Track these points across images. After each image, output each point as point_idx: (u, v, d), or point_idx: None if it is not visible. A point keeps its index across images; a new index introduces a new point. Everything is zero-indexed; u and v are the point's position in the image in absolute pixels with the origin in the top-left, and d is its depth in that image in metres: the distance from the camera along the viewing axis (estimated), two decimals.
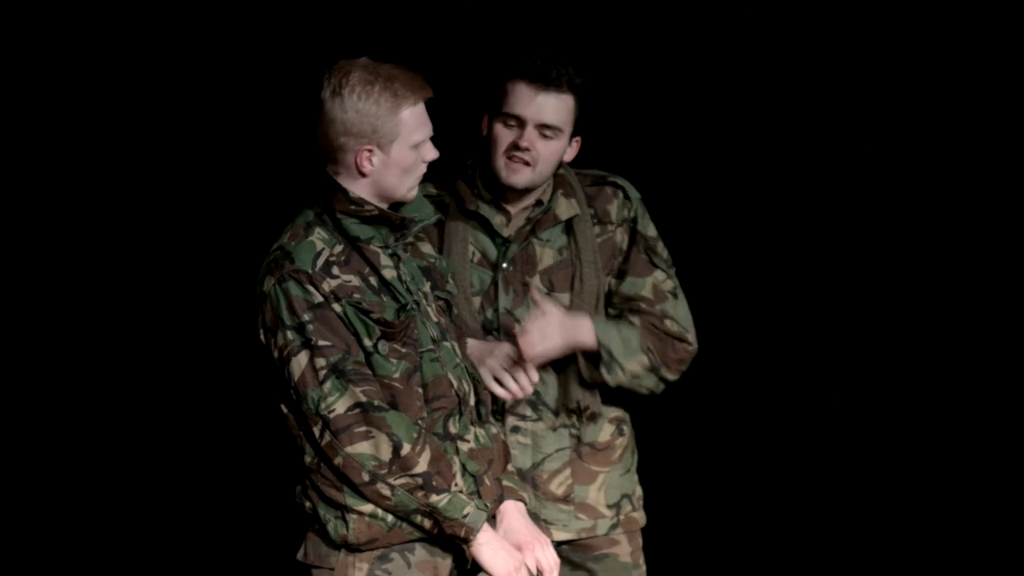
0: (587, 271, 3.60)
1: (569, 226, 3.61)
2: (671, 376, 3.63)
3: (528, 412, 3.60)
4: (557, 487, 3.61)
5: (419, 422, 3.19)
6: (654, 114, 4.84)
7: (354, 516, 3.16)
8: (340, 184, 3.21)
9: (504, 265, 3.60)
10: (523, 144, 3.49)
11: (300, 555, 3.27)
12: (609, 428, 3.65)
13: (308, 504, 3.22)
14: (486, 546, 3.20)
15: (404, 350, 3.20)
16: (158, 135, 4.67)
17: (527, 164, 3.51)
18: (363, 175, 3.20)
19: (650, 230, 3.66)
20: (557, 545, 3.60)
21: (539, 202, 3.61)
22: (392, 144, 3.17)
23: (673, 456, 4.77)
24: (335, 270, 3.17)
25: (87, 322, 4.70)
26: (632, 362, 3.59)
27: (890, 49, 4.78)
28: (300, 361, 3.13)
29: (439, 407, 3.24)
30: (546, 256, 3.62)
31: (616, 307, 3.67)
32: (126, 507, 4.76)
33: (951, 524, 4.90)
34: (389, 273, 3.23)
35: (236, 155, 4.69)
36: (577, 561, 3.65)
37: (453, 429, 3.26)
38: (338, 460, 3.13)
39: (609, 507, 3.65)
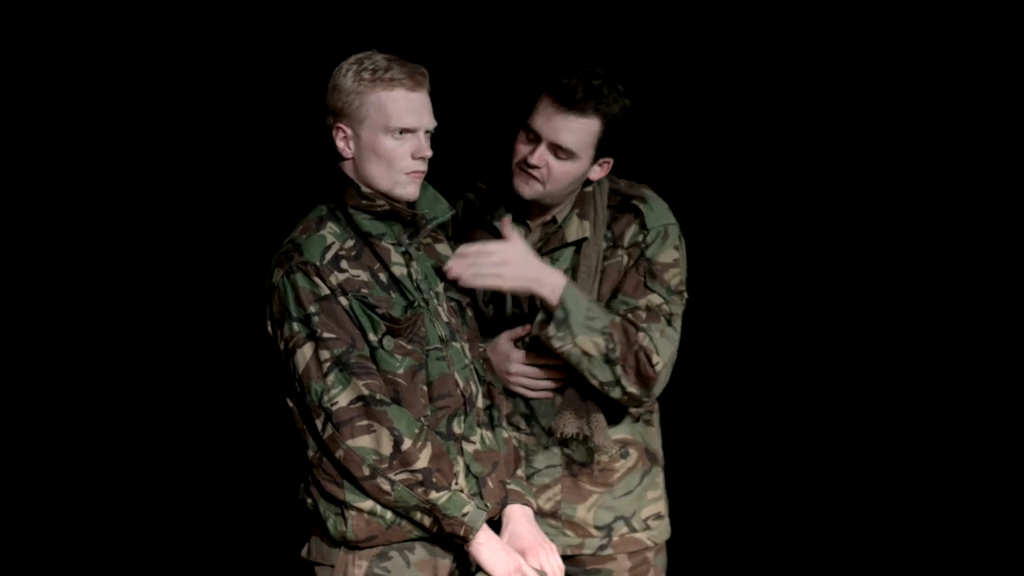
0: (582, 290, 3.50)
1: (578, 248, 3.56)
2: (629, 385, 3.43)
3: (522, 424, 3.56)
4: (545, 502, 3.57)
5: (422, 419, 3.17)
6: (650, 99, 4.82)
7: (353, 513, 3.15)
8: (351, 178, 3.21)
9: None
10: (533, 160, 3.43)
11: (304, 552, 3.28)
12: (609, 451, 3.56)
13: (310, 501, 3.21)
14: (485, 546, 3.17)
15: (410, 347, 3.19)
16: (169, 132, 4.71)
17: (536, 179, 3.46)
18: (343, 158, 3.21)
19: (662, 256, 3.53)
20: None
21: (553, 220, 3.56)
22: (361, 126, 3.16)
23: (700, 469, 4.74)
24: (344, 264, 3.17)
25: (93, 319, 4.74)
26: (586, 340, 3.41)
27: (892, 48, 4.76)
28: (305, 353, 3.14)
29: (443, 406, 3.22)
30: None
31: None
32: (132, 506, 4.78)
33: (957, 522, 4.86)
34: (399, 270, 3.22)
35: (249, 151, 4.72)
36: (570, 573, 3.58)
37: (458, 429, 3.24)
38: (339, 453, 3.12)
39: (598, 528, 3.59)
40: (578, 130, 3.40)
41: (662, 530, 3.68)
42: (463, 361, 3.29)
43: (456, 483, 3.18)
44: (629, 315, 3.46)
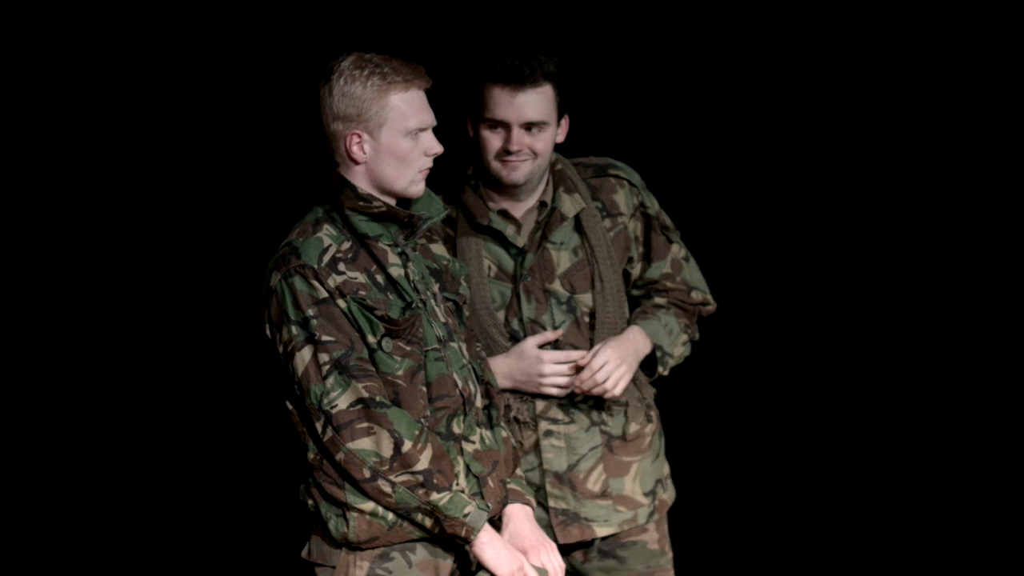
0: (604, 267, 3.62)
1: (579, 225, 3.62)
2: (697, 337, 3.76)
3: (560, 416, 3.61)
4: (593, 484, 3.61)
5: (422, 420, 3.18)
6: (650, 99, 4.82)
7: (355, 514, 3.16)
8: (348, 180, 3.21)
9: (524, 276, 3.60)
10: (513, 147, 3.50)
11: (304, 553, 3.27)
12: (638, 417, 3.66)
13: (311, 502, 3.22)
14: (488, 545, 3.18)
15: (408, 348, 3.20)
16: (166, 134, 4.68)
17: (521, 161, 3.52)
18: (356, 163, 3.20)
19: (655, 206, 3.71)
20: (590, 543, 3.63)
21: (543, 203, 3.62)
22: (381, 130, 3.17)
23: (695, 436, 4.76)
24: (341, 266, 3.17)
25: (93, 320, 4.73)
26: (677, 347, 3.68)
27: (893, 46, 4.75)
28: (304, 356, 3.14)
29: (443, 406, 3.22)
30: (563, 260, 3.63)
31: (641, 288, 3.73)
32: (132, 506, 4.78)
33: (957, 522, 4.86)
34: (396, 271, 3.22)
35: (245, 153, 4.70)
36: (606, 550, 3.65)
37: (457, 429, 3.24)
38: (340, 456, 3.12)
39: (646, 495, 3.65)
40: (539, 101, 3.49)
41: (672, 491, 3.77)
42: (461, 361, 3.29)
43: (457, 483, 3.19)
44: (668, 284, 3.69)
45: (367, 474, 3.12)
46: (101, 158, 4.68)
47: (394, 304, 3.20)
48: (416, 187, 3.23)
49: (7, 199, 4.63)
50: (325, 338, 3.13)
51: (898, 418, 4.88)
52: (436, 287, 3.31)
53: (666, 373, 3.70)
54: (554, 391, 3.56)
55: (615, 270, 3.64)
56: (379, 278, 3.20)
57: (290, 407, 3.21)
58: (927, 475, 4.88)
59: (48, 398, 4.72)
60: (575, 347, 3.61)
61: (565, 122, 3.61)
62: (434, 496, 3.13)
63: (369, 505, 3.15)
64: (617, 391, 3.56)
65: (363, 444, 3.12)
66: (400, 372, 3.18)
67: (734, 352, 4.84)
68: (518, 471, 3.37)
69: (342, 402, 3.12)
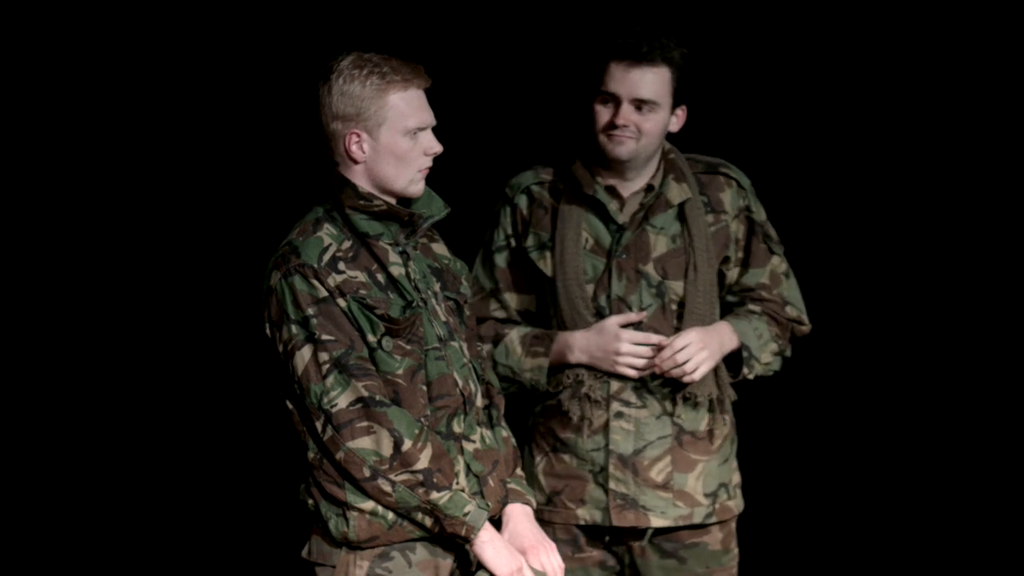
0: (700, 259, 3.63)
1: (682, 213, 3.63)
2: (788, 351, 3.76)
3: (633, 399, 3.61)
4: (657, 474, 3.62)
5: (422, 419, 3.18)
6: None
7: (355, 513, 3.15)
8: (349, 180, 3.21)
9: (619, 252, 3.61)
10: (620, 121, 3.52)
11: (304, 552, 3.27)
12: (712, 416, 3.66)
13: (311, 502, 3.21)
14: (488, 544, 3.17)
15: (408, 347, 3.19)
16: (166, 134, 4.69)
17: (628, 137, 3.53)
18: (355, 162, 3.20)
19: (762, 215, 3.72)
20: (653, 533, 3.64)
21: (650, 187, 3.64)
22: (380, 129, 3.17)
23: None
24: (341, 265, 3.17)
25: (93, 319, 4.73)
26: (766, 353, 3.68)
27: (893, 48, 4.75)
28: (303, 355, 3.14)
29: (443, 406, 3.22)
30: (660, 244, 3.63)
31: (736, 295, 3.73)
32: (132, 506, 4.78)
33: (957, 522, 4.87)
34: (397, 270, 3.22)
35: (245, 153, 4.70)
36: (668, 549, 3.66)
37: (457, 428, 3.24)
38: (340, 455, 3.12)
39: (706, 496, 3.66)
40: (653, 80, 3.52)
41: (740, 500, 3.77)
42: (461, 360, 3.29)
43: (457, 483, 3.19)
44: (764, 295, 3.70)
45: (367, 473, 3.12)
46: (101, 158, 4.68)
47: (394, 303, 3.19)
48: (415, 186, 3.23)
49: (7, 199, 4.63)
50: (325, 337, 3.13)
51: (898, 419, 4.88)
52: (437, 286, 3.31)
53: (751, 376, 3.69)
54: (629, 372, 3.57)
55: (711, 264, 3.64)
56: (380, 277, 3.20)
57: (290, 406, 3.20)
58: (927, 476, 4.88)
59: (48, 398, 4.72)
60: (658, 332, 3.61)
61: (682, 112, 3.62)
62: (434, 495, 3.13)
63: (369, 504, 3.14)
64: (696, 376, 3.56)
65: (363, 443, 3.11)
66: (400, 371, 3.18)
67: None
68: (518, 470, 3.37)
69: (342, 401, 3.12)
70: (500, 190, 3.75)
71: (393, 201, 3.24)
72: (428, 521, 3.15)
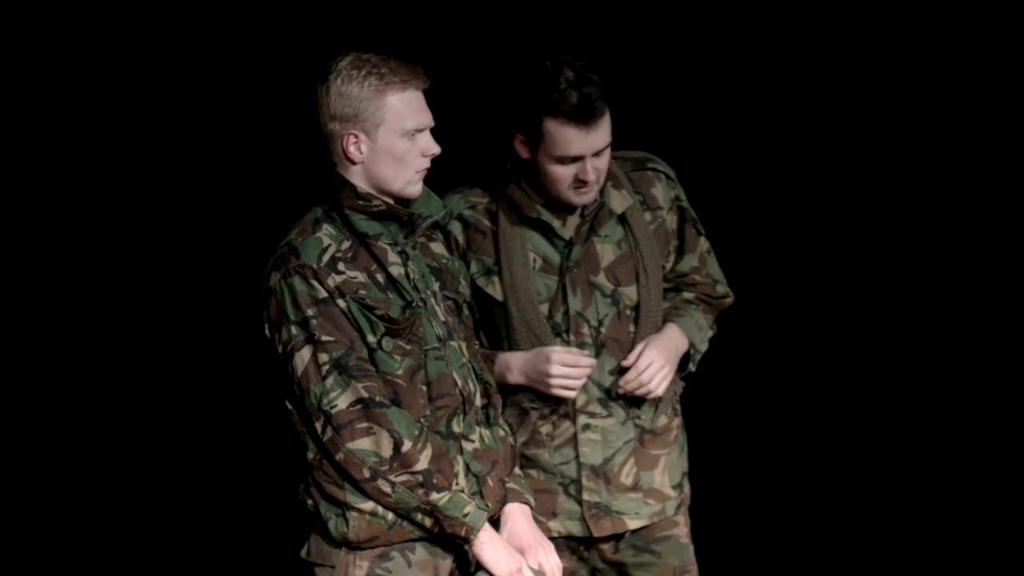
0: (648, 261, 3.62)
1: (623, 218, 3.62)
2: (715, 331, 3.78)
3: (599, 410, 3.60)
4: (626, 477, 3.61)
5: (421, 420, 3.18)
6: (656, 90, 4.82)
7: (354, 514, 3.16)
8: (348, 180, 3.21)
9: (570, 268, 3.58)
10: (589, 178, 3.46)
11: (303, 553, 3.28)
12: (667, 410, 3.67)
13: (310, 502, 3.22)
14: (488, 545, 3.18)
15: (408, 347, 3.20)
16: (165, 134, 4.68)
17: (591, 184, 3.49)
18: (353, 163, 3.20)
19: (685, 199, 3.72)
20: (620, 536, 3.63)
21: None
22: (378, 130, 3.17)
23: (699, 469, 4.73)
24: (341, 266, 3.17)
25: (93, 320, 4.72)
26: (705, 342, 3.71)
27: (893, 48, 4.75)
28: (303, 356, 3.14)
29: (443, 406, 3.22)
30: (607, 252, 3.61)
31: (670, 281, 3.73)
32: (132, 506, 4.77)
33: (957, 522, 4.86)
34: (396, 270, 3.22)
35: (245, 153, 4.70)
36: (640, 546, 3.65)
37: (457, 428, 3.24)
38: (339, 456, 3.12)
39: (674, 488, 3.66)
40: (606, 126, 3.45)
41: (689, 485, 3.77)
42: (461, 360, 3.29)
43: (456, 483, 3.19)
44: (696, 278, 3.71)
45: (367, 474, 3.12)
46: (101, 158, 4.68)
47: (394, 303, 3.20)
48: (413, 187, 3.23)
49: (7, 199, 4.63)
50: (325, 338, 3.13)
51: (898, 419, 4.88)
52: (436, 286, 3.31)
53: (695, 370, 3.72)
54: (565, 393, 3.53)
55: (657, 264, 3.63)
56: (379, 277, 3.20)
57: (290, 407, 3.21)
58: (927, 476, 4.88)
59: (48, 398, 4.72)
60: (617, 341, 3.59)
61: None
62: (434, 496, 3.13)
63: (369, 505, 3.15)
64: (660, 391, 3.57)
65: (363, 444, 3.12)
66: (400, 371, 3.18)
67: (734, 351, 4.82)
68: (516, 470, 3.37)
69: (342, 402, 3.12)
70: None
71: (392, 201, 3.24)
72: (428, 522, 3.15)
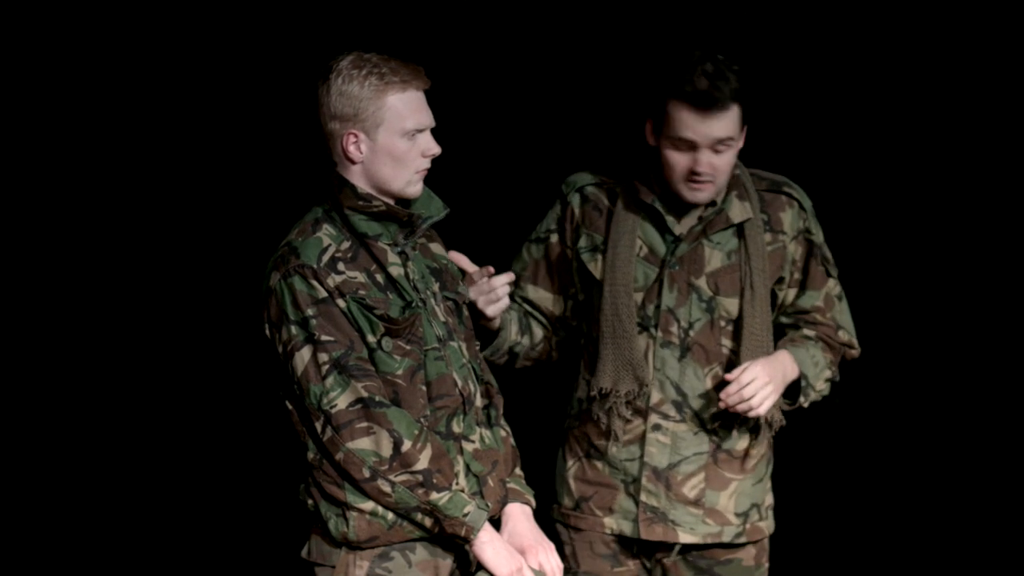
0: (757, 278, 3.56)
1: (740, 230, 3.57)
2: (838, 379, 3.71)
3: (672, 412, 3.56)
4: (690, 490, 3.57)
5: (421, 420, 3.18)
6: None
7: (354, 514, 3.16)
8: (348, 180, 3.21)
9: (672, 263, 3.56)
10: (701, 169, 3.43)
11: (304, 553, 3.28)
12: (748, 436, 3.61)
13: (310, 502, 3.22)
14: (488, 545, 3.18)
15: (408, 347, 3.20)
16: (166, 134, 4.68)
17: (708, 182, 3.46)
18: (353, 163, 3.20)
19: (820, 236, 3.66)
20: (682, 549, 3.60)
21: (712, 202, 3.56)
22: (378, 130, 3.17)
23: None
24: (340, 266, 3.17)
25: (93, 319, 4.72)
26: (820, 381, 3.63)
27: (894, 47, 4.75)
28: (303, 356, 3.14)
29: (442, 406, 3.23)
30: (715, 258, 3.56)
31: (790, 316, 3.68)
32: (132, 506, 4.77)
33: (957, 522, 4.86)
34: (396, 271, 3.22)
35: (245, 153, 4.70)
36: (703, 566, 3.62)
37: (457, 428, 3.24)
38: (339, 456, 3.13)
39: (737, 515, 3.61)
40: (728, 120, 3.42)
41: (772, 522, 3.72)
42: (461, 360, 3.29)
43: (456, 483, 3.19)
44: (818, 318, 3.64)
45: (366, 474, 3.12)
46: (101, 158, 4.68)
47: (394, 303, 3.20)
48: (413, 188, 3.23)
49: (7, 199, 4.63)
50: (324, 338, 3.13)
51: (898, 419, 4.88)
52: (436, 286, 3.31)
53: (806, 405, 3.64)
54: (492, 310, 3.48)
55: (766, 284, 3.57)
56: (379, 277, 3.20)
57: (290, 407, 3.21)
58: (927, 476, 4.88)
59: (48, 398, 4.72)
60: (704, 348, 3.55)
61: (744, 131, 3.53)
62: (433, 496, 3.13)
63: (369, 505, 3.15)
64: (762, 410, 3.48)
65: (362, 444, 3.12)
66: (400, 371, 3.18)
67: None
68: (517, 470, 3.37)
69: (341, 402, 3.12)
70: (555, 186, 3.70)
71: (392, 201, 3.24)
72: (428, 521, 3.15)
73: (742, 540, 3.62)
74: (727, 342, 3.57)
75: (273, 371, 3.23)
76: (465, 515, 3.14)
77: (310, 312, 3.13)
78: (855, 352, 3.71)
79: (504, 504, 3.29)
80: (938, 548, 4.86)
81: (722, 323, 3.56)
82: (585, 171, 3.66)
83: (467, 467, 3.24)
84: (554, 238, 3.66)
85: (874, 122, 4.79)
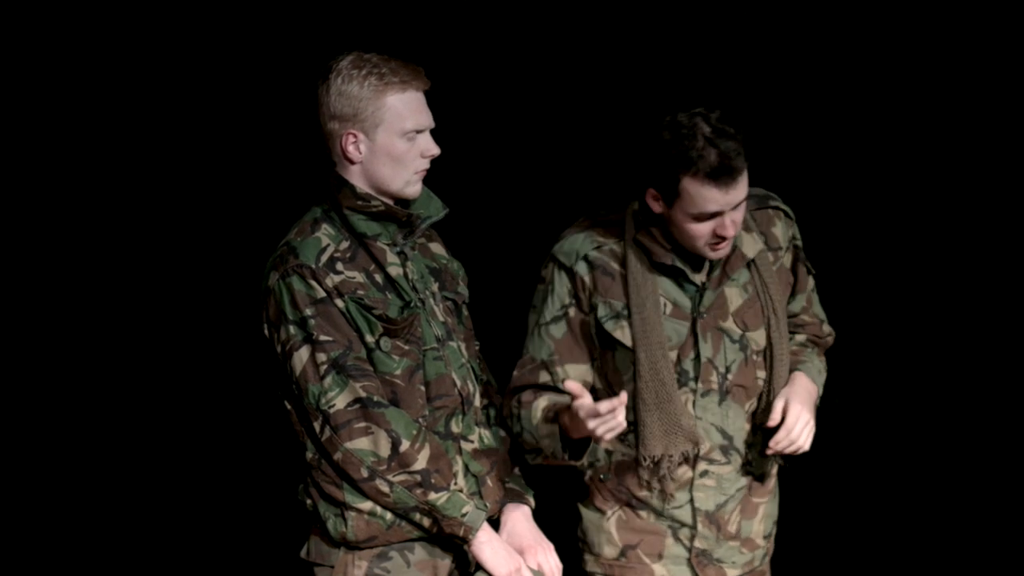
0: (778, 304, 3.49)
1: (751, 261, 3.49)
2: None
3: (719, 457, 3.48)
4: (731, 524, 3.52)
5: (420, 420, 3.18)
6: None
7: (353, 514, 3.16)
8: (347, 180, 3.21)
9: (702, 313, 3.44)
10: (727, 233, 3.33)
11: (303, 553, 3.28)
12: (772, 459, 3.56)
13: (309, 502, 3.22)
14: (487, 545, 3.18)
15: (407, 347, 3.19)
16: (166, 134, 4.70)
17: (727, 239, 3.36)
18: (352, 163, 3.20)
19: (799, 238, 3.59)
20: None
21: None
22: (377, 130, 3.16)
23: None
24: (339, 266, 3.17)
25: (93, 319, 4.73)
26: (823, 385, 3.59)
27: (894, 47, 4.75)
28: (301, 356, 3.14)
29: (441, 406, 3.22)
30: (734, 296, 3.47)
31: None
32: (132, 506, 4.78)
33: (956, 522, 4.85)
34: (395, 271, 3.22)
35: (245, 153, 4.71)
36: None
37: (456, 429, 3.24)
38: (338, 456, 3.12)
39: (764, 538, 3.58)
40: (745, 179, 3.31)
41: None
42: (460, 360, 3.29)
43: (455, 483, 3.19)
44: (805, 319, 3.60)
45: (365, 474, 3.12)
46: (101, 158, 4.69)
47: (392, 303, 3.19)
48: (412, 188, 3.23)
49: (7, 199, 4.63)
50: (323, 338, 3.13)
51: (898, 419, 4.88)
52: (435, 286, 3.31)
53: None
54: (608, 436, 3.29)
55: (784, 306, 3.52)
56: (378, 277, 3.20)
57: (288, 407, 3.21)
58: (927, 477, 4.88)
59: (48, 398, 4.72)
60: (743, 388, 3.48)
61: None
62: (432, 496, 3.13)
63: (367, 504, 3.15)
64: (807, 446, 3.45)
65: (361, 444, 3.12)
66: (398, 371, 3.18)
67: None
68: (516, 470, 3.37)
69: (340, 402, 3.12)
70: (547, 255, 3.50)
71: (391, 201, 3.23)
72: (426, 521, 3.15)
73: (767, 559, 3.60)
74: (760, 373, 3.50)
75: (272, 371, 3.23)
76: (463, 515, 3.14)
77: (308, 312, 3.13)
78: (832, 339, 3.67)
79: (503, 504, 3.29)
80: (938, 548, 4.86)
81: (754, 357, 3.49)
82: (577, 235, 3.49)
83: (466, 467, 3.24)
84: (572, 311, 3.47)
85: (874, 122, 4.80)
